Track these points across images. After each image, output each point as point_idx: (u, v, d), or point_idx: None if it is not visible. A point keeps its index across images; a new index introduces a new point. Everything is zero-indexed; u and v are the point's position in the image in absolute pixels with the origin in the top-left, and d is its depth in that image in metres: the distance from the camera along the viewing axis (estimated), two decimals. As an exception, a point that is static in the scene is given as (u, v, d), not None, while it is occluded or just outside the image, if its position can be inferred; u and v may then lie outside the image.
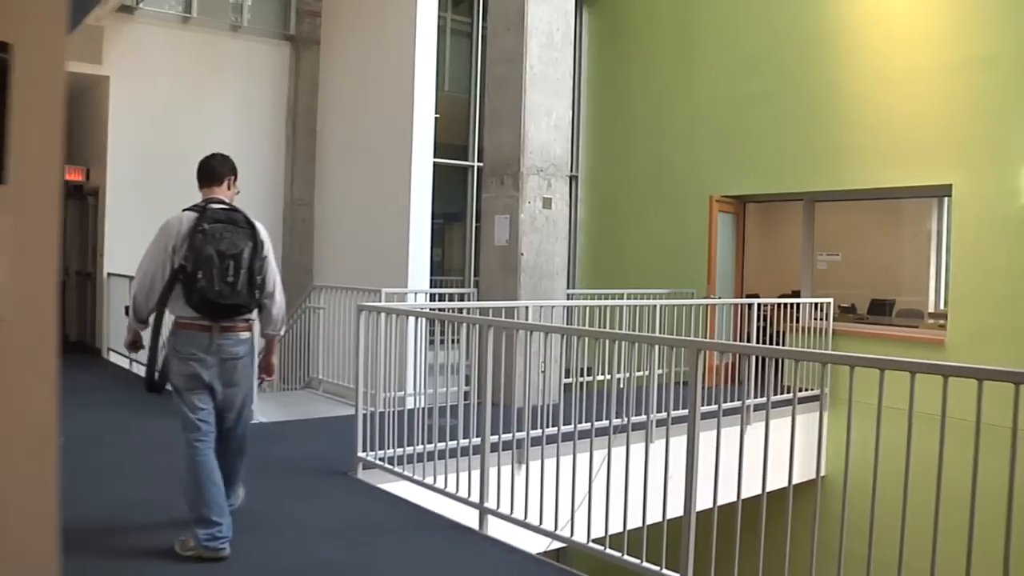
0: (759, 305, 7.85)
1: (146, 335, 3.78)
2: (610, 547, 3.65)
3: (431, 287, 8.87)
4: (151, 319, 3.70)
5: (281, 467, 5.25)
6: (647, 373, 4.10)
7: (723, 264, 9.48)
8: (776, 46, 9.03)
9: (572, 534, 3.88)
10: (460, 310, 7.17)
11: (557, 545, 4.65)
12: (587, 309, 7.99)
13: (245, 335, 3.71)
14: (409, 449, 4.86)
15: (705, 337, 8.16)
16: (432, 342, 7.46)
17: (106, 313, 9.52)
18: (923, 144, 7.83)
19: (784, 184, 9.04)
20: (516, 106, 7.33)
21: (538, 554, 4.07)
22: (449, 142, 9.98)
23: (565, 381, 6.58)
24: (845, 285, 10.25)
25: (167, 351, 3.67)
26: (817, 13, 8.71)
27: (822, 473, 3.20)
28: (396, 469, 4.83)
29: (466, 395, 5.41)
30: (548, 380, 4.97)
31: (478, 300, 7.82)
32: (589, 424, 4.97)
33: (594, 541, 3.79)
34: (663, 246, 10.06)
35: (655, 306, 7.26)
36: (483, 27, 9.28)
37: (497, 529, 4.22)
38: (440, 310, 7.31)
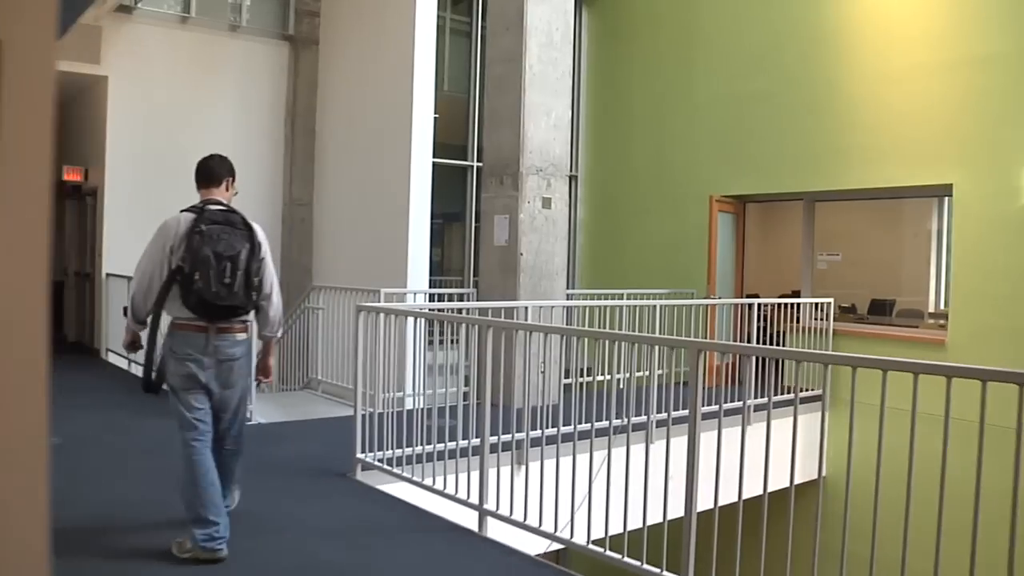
0: (759, 305, 7.83)
1: (144, 336, 3.78)
2: (610, 548, 3.63)
3: (430, 287, 8.85)
4: (149, 319, 3.69)
5: (280, 468, 5.23)
6: (647, 373, 4.08)
7: (723, 264, 9.46)
8: (776, 46, 9.01)
9: (572, 536, 3.86)
10: (459, 310, 7.15)
11: (557, 547, 4.63)
12: (587, 309, 7.97)
13: (242, 336, 3.72)
14: (408, 450, 4.84)
15: (705, 337, 8.14)
16: (431, 342, 7.44)
17: (105, 313, 9.50)
18: (924, 143, 7.81)
19: (784, 184, 9.03)
20: (515, 106, 7.31)
21: (537, 556, 4.05)
22: (448, 142, 9.97)
23: (565, 381, 6.56)
24: (845, 285, 10.24)
25: (164, 351, 3.67)
26: (817, 12, 8.69)
27: (823, 474, 3.19)
28: (395, 470, 4.81)
29: (465, 396, 5.39)
30: (548, 380, 4.95)
31: (477, 300, 7.80)
32: (589, 425, 4.95)
33: (594, 542, 3.77)
34: (663, 246, 10.05)
35: (655, 306, 7.25)
36: (482, 27, 9.26)
37: (496, 531, 4.21)
38: (439, 310, 7.29)
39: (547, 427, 4.31)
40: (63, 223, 11.42)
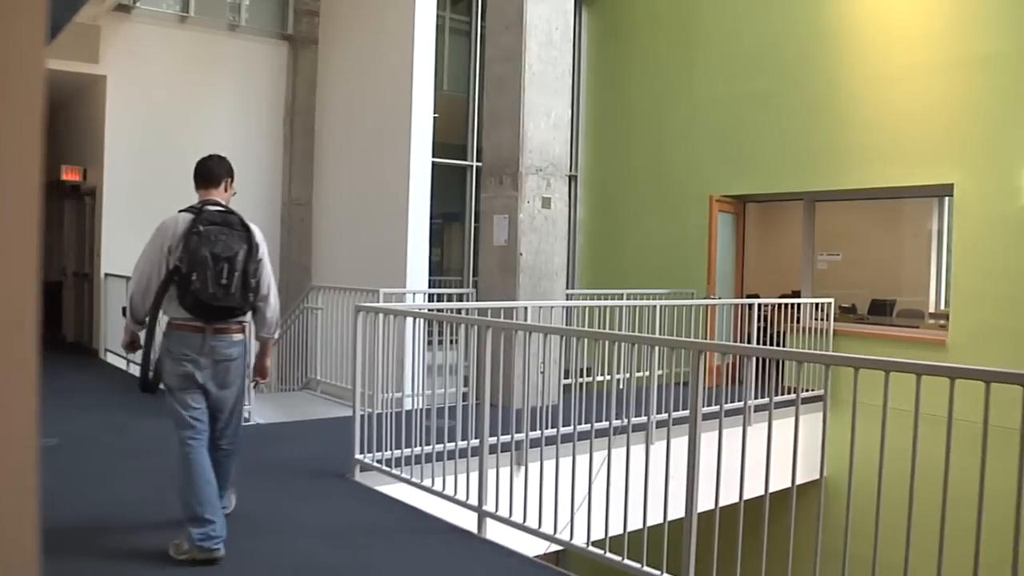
0: (759, 305, 7.81)
1: (143, 335, 3.77)
2: (610, 550, 3.61)
3: (430, 287, 8.83)
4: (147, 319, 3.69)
5: (278, 469, 5.21)
6: (647, 374, 4.06)
7: (723, 264, 9.44)
8: (776, 45, 9.00)
9: (571, 537, 3.83)
10: (459, 310, 7.13)
11: (556, 548, 4.60)
12: (586, 309, 7.95)
13: (238, 337, 3.73)
14: (407, 451, 4.82)
15: (705, 337, 8.12)
16: (431, 343, 7.42)
17: (103, 314, 9.48)
18: (924, 143, 7.79)
19: (784, 184, 9.01)
20: (515, 105, 7.29)
21: (537, 557, 4.04)
22: (448, 142, 9.95)
23: (564, 382, 6.54)
24: (845, 285, 10.23)
25: (160, 351, 3.68)
26: (817, 12, 8.67)
27: (824, 474, 3.17)
28: (394, 471, 4.79)
29: (464, 396, 5.37)
30: (547, 381, 4.93)
31: (477, 300, 7.78)
32: (589, 425, 4.94)
33: (594, 544, 3.75)
34: (663, 246, 10.03)
35: (655, 306, 7.23)
36: (482, 26, 9.24)
37: (495, 532, 4.19)
38: (439, 311, 7.28)
39: (547, 428, 4.29)
40: (61, 223, 11.41)
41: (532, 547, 4.22)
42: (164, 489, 3.87)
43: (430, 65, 8.81)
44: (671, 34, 10.19)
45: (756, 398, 5.76)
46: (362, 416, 4.91)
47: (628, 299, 7.67)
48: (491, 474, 4.28)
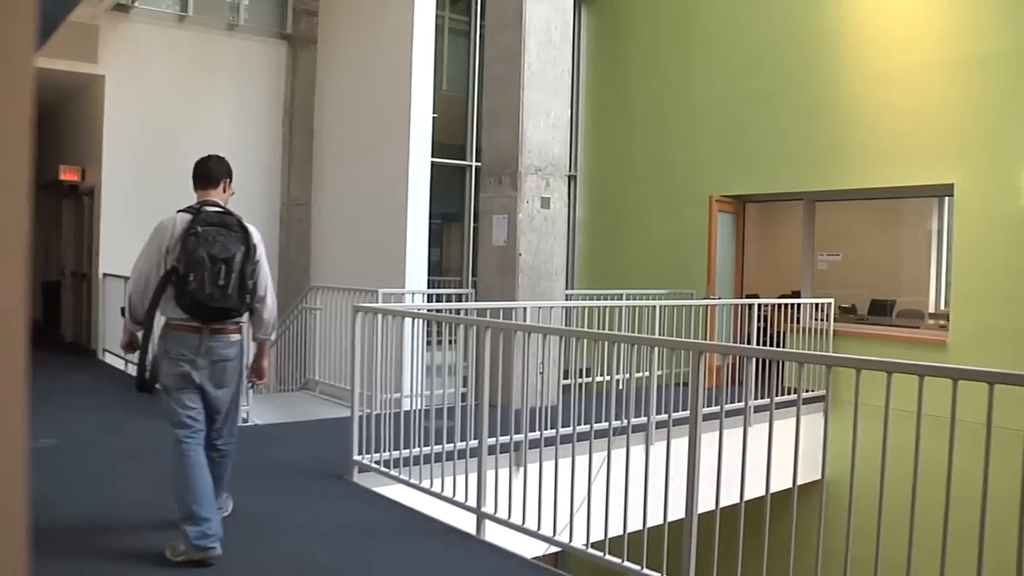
0: (759, 306, 7.79)
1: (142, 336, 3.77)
2: (610, 551, 3.59)
3: (429, 288, 8.81)
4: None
5: (276, 470, 5.19)
6: (647, 374, 4.04)
7: (723, 264, 9.42)
8: (776, 45, 8.98)
9: (571, 539, 3.81)
10: (458, 311, 7.11)
11: (555, 550, 4.59)
12: (586, 310, 7.93)
13: (235, 337, 3.74)
14: (405, 452, 4.80)
15: (705, 338, 8.10)
16: (429, 343, 7.40)
17: (101, 314, 9.46)
18: (924, 143, 7.78)
19: (784, 184, 8.99)
20: (514, 105, 7.27)
21: (536, 559, 4.01)
22: (447, 141, 9.92)
23: (564, 382, 6.52)
24: (845, 285, 10.21)
25: (157, 351, 3.68)
26: (817, 12, 8.66)
27: (825, 475, 3.15)
28: (392, 472, 4.77)
29: (463, 397, 5.35)
30: (546, 381, 4.91)
31: (476, 301, 7.76)
32: (588, 426, 4.93)
33: (593, 545, 3.73)
34: (662, 246, 10.01)
35: (654, 307, 7.21)
36: (481, 25, 9.22)
37: (494, 534, 4.16)
38: (438, 311, 7.25)
39: (546, 429, 4.27)
40: (60, 223, 11.39)
41: (531, 549, 4.20)
42: (162, 490, 3.86)
43: (429, 65, 8.79)
44: (671, 34, 10.17)
45: (756, 399, 5.75)
46: (360, 417, 4.89)
47: (627, 299, 7.65)
48: (490, 475, 4.26)
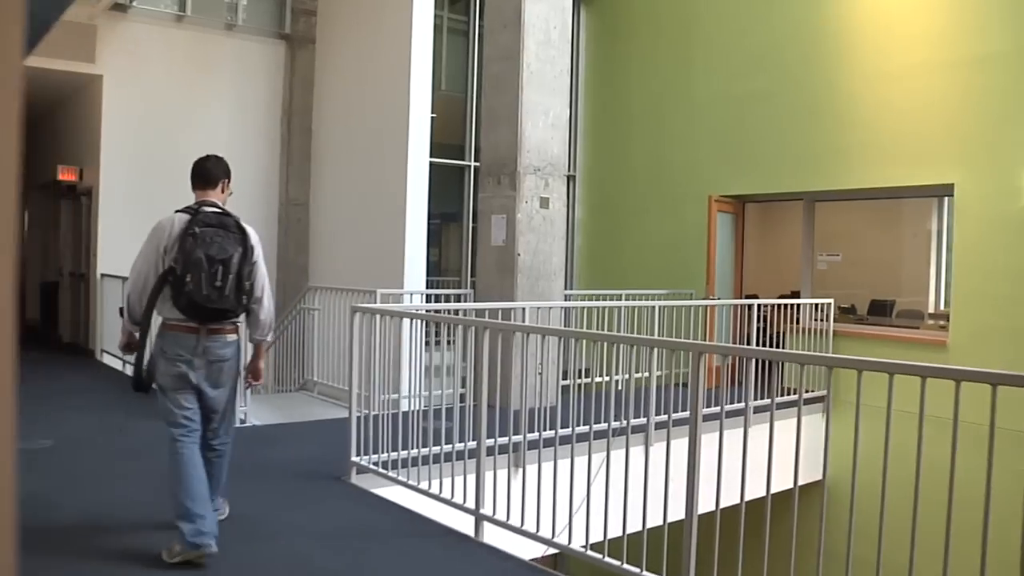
0: (759, 306, 7.78)
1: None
2: (609, 552, 3.57)
3: (427, 288, 8.79)
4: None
5: (274, 471, 5.17)
6: (646, 375, 4.02)
7: (722, 264, 9.41)
8: (776, 45, 8.97)
9: (570, 540, 3.80)
10: (456, 311, 7.09)
11: (554, 551, 4.57)
12: (585, 310, 7.91)
13: (232, 337, 3.74)
14: (404, 453, 4.78)
15: (704, 338, 8.09)
16: (428, 344, 7.37)
17: (99, 314, 9.43)
18: (924, 143, 7.77)
19: (784, 184, 8.98)
20: (513, 105, 7.26)
21: (534, 561, 3.99)
22: (446, 141, 9.91)
23: (563, 383, 6.50)
24: (845, 285, 10.19)
25: (154, 351, 3.67)
26: (817, 12, 8.64)
27: (826, 476, 3.13)
28: (390, 474, 4.75)
29: (462, 398, 5.33)
30: (545, 382, 4.89)
31: (475, 301, 7.74)
32: (587, 427, 4.91)
33: (592, 547, 3.71)
34: (662, 246, 10.00)
35: (654, 307, 7.19)
36: (480, 25, 9.20)
37: (493, 535, 4.14)
38: (436, 311, 7.23)
39: (545, 429, 4.25)
40: (58, 223, 11.36)
41: (530, 550, 4.18)
42: (161, 490, 3.84)
43: (428, 64, 8.77)
44: (670, 33, 10.16)
45: (754, 399, 5.73)
46: (359, 418, 4.87)
47: (627, 299, 7.63)
48: (488, 476, 4.24)
